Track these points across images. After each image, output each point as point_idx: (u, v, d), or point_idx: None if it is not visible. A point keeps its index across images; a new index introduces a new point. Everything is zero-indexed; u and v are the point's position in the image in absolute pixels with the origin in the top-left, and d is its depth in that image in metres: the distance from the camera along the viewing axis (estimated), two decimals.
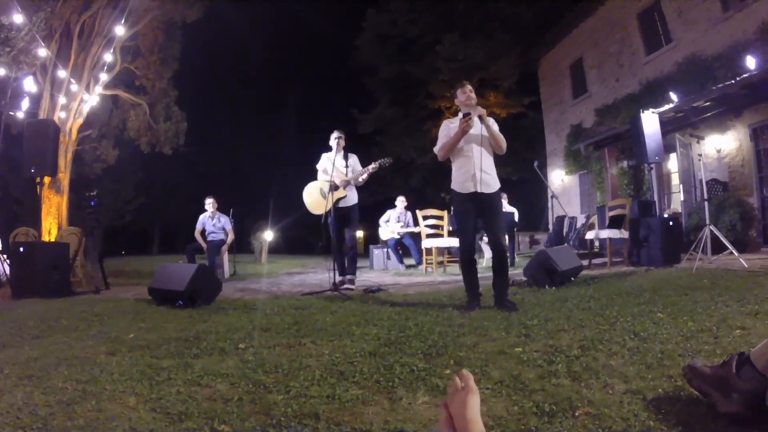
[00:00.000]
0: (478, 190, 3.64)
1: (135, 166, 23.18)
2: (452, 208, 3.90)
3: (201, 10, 13.57)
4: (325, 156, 5.72)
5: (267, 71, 34.89)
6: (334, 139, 5.63)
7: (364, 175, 5.58)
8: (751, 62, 7.93)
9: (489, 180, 3.67)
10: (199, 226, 8.00)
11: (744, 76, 7.88)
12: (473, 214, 3.71)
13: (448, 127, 3.84)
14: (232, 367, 2.16)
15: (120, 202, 25.18)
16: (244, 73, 33.04)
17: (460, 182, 3.71)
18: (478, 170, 3.63)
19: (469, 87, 3.80)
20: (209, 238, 7.91)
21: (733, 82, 8.04)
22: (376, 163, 5.47)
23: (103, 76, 11.66)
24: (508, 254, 8.71)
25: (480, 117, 3.65)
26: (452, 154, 3.77)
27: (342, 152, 5.68)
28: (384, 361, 2.14)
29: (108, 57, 11.33)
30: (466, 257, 3.76)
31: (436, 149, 3.85)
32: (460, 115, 3.69)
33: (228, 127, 31.12)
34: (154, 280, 4.65)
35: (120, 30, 10.76)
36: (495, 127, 3.75)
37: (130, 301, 4.82)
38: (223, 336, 2.81)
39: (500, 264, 3.68)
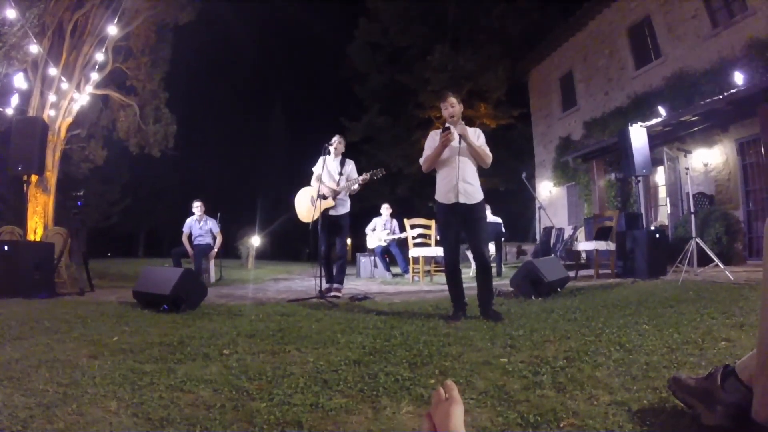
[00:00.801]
0: (460, 201, 3.65)
1: (123, 167, 22.99)
2: (436, 219, 3.93)
3: (193, 12, 13.56)
4: (321, 159, 5.67)
5: (257, 76, 35.02)
6: (332, 144, 5.63)
7: (356, 186, 5.56)
8: (738, 78, 8.08)
9: (471, 190, 3.68)
10: (186, 230, 7.93)
11: (731, 91, 8.03)
12: (455, 225, 3.72)
13: (434, 139, 3.83)
14: (215, 373, 2.13)
15: (106, 204, 24.92)
16: (235, 78, 33.11)
17: (443, 193, 3.73)
18: (460, 181, 3.65)
19: (451, 100, 3.77)
20: (196, 242, 7.84)
21: (720, 97, 8.18)
22: (368, 174, 5.44)
23: (94, 76, 11.58)
24: (493, 265, 8.77)
25: (461, 135, 3.67)
26: (436, 165, 3.79)
27: (339, 158, 5.67)
28: (368, 370, 2.12)
29: (100, 56, 11.28)
30: (450, 267, 3.79)
31: (421, 161, 3.86)
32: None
33: (217, 131, 31.07)
34: (138, 283, 4.60)
35: (112, 30, 10.71)
36: (480, 140, 3.77)
37: (114, 304, 4.76)
38: (207, 341, 2.77)
39: (484, 274, 3.69)
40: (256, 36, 31.39)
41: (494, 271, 8.56)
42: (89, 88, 11.68)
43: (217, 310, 4.27)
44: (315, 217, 5.39)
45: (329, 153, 5.66)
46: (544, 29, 16.57)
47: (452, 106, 3.76)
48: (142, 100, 13.98)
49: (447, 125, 3.66)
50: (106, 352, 2.55)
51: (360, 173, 5.65)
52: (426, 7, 19.40)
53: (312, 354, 2.46)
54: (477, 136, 3.79)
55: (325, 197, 5.45)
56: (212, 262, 8.21)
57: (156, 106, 14.26)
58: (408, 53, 20.43)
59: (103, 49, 11.22)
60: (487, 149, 3.78)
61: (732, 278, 5.40)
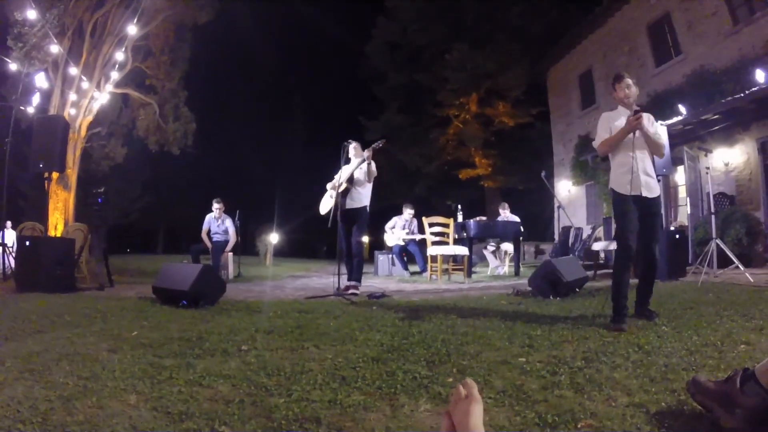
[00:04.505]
0: (642, 194, 3.35)
1: (143, 165, 23.28)
2: (613, 210, 3.62)
3: (212, 12, 13.71)
4: (342, 170, 5.64)
5: (276, 75, 35.12)
6: (352, 148, 5.65)
7: (364, 166, 5.44)
8: (760, 76, 7.91)
9: (652, 183, 3.40)
10: (205, 226, 8.08)
11: (753, 89, 7.88)
12: (635, 217, 3.36)
13: (607, 120, 3.49)
14: (234, 368, 2.16)
15: (126, 201, 25.30)
16: (254, 78, 33.15)
17: (622, 183, 3.39)
18: (641, 173, 3.35)
19: (627, 81, 3.42)
20: (213, 239, 7.97)
21: (741, 95, 8.02)
22: (369, 149, 5.36)
23: (114, 75, 11.77)
24: (511, 264, 8.74)
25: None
26: (613, 151, 3.46)
27: (359, 159, 5.62)
28: (386, 368, 2.13)
29: (119, 56, 11.46)
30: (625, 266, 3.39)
31: (596, 144, 3.54)
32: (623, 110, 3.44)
33: (236, 129, 31.19)
34: (158, 279, 4.66)
35: (132, 29, 10.87)
36: (653, 128, 3.44)
37: (134, 299, 4.82)
38: (225, 337, 2.80)
39: (652, 273, 3.50)
40: (275, 35, 31.59)
41: (512, 270, 8.52)
42: (109, 87, 11.88)
43: (235, 306, 4.30)
44: (329, 209, 5.38)
45: (348, 160, 5.65)
46: (564, 27, 16.39)
47: (628, 87, 3.41)
48: (162, 98, 14.19)
49: (636, 108, 3.32)
50: (126, 346, 2.58)
51: (379, 172, 5.61)
52: (445, 5, 19.29)
53: (330, 351, 2.48)
54: (651, 123, 3.45)
55: (338, 186, 5.44)
56: (230, 258, 8.30)
57: (175, 104, 14.46)
58: (427, 52, 20.30)
59: (123, 49, 11.39)
60: (660, 139, 3.43)
61: (752, 280, 5.31)
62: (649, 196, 3.35)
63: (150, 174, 25.64)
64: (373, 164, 5.46)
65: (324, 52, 38.62)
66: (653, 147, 3.38)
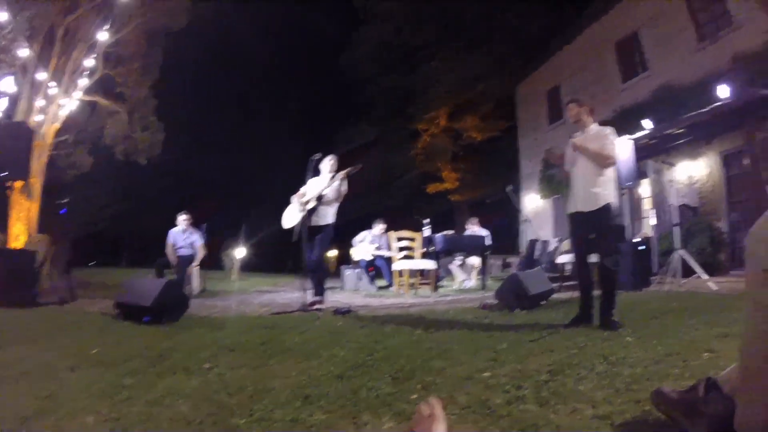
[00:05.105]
0: (579, 209, 3.58)
1: (110, 174, 22.69)
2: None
3: (185, 19, 13.54)
4: (309, 182, 5.56)
5: (248, 87, 34.64)
6: (327, 161, 5.55)
7: (335, 184, 5.38)
8: (723, 91, 8.20)
9: (593, 196, 3.54)
10: (169, 241, 7.88)
11: (716, 104, 8.15)
12: (579, 233, 3.64)
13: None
14: (195, 387, 2.11)
15: (92, 211, 24.59)
16: (227, 87, 32.83)
17: (568, 203, 3.70)
18: (581, 189, 3.57)
19: (568, 105, 3.86)
20: (179, 253, 7.78)
21: (705, 110, 8.30)
22: (343, 172, 5.35)
23: (83, 81, 11.47)
24: (479, 277, 8.81)
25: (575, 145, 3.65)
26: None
27: (331, 175, 5.55)
28: (350, 385, 2.10)
29: (89, 62, 11.19)
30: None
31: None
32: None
33: (206, 140, 30.78)
34: (120, 293, 4.56)
35: (103, 35, 10.65)
36: (593, 146, 3.58)
37: (96, 314, 4.71)
38: (188, 355, 2.76)
39: (602, 283, 3.57)
40: (249, 45, 31.24)
41: (480, 283, 8.60)
42: (78, 94, 11.57)
43: (199, 322, 4.24)
44: (296, 222, 5.31)
45: (317, 173, 5.56)
46: (533, 44, 16.81)
47: (569, 110, 3.85)
48: (131, 107, 13.89)
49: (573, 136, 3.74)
50: (86, 364, 2.52)
51: (349, 186, 5.56)
52: (420, 18, 19.61)
53: (294, 368, 2.44)
54: (595, 138, 3.63)
55: (306, 202, 5.37)
56: (196, 273, 8.13)
57: (144, 113, 14.18)
58: (401, 64, 20.52)
59: (94, 55, 11.14)
60: (604, 150, 3.54)
61: (716, 288, 5.47)
62: (586, 210, 3.52)
63: (117, 184, 25.02)
64: (345, 184, 5.45)
65: (298, 63, 38.44)
66: (595, 160, 3.53)
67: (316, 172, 5.58)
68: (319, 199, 5.43)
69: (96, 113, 13.97)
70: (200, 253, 8.02)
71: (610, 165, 3.54)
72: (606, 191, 3.51)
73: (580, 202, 3.57)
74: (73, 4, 10.75)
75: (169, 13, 12.90)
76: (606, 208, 3.49)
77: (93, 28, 11.01)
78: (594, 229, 3.53)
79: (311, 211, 5.41)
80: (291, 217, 5.51)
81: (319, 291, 5.47)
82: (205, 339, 3.32)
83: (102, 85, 12.98)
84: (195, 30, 15.40)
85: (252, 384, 2.15)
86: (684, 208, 9.38)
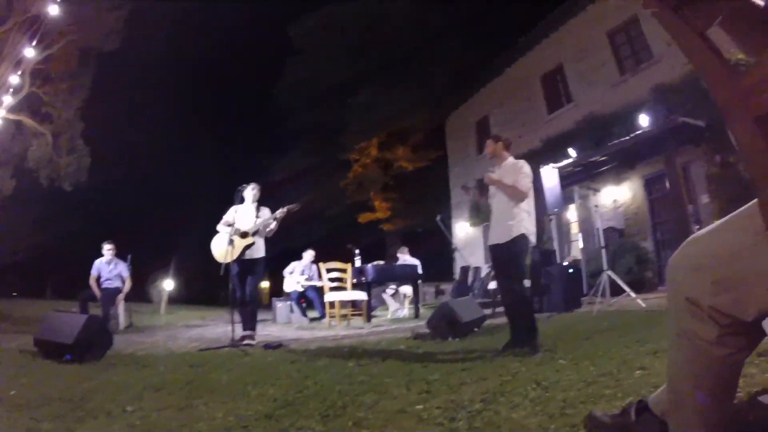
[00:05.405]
0: (492, 242, 3.75)
1: (34, 200, 21.24)
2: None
3: (118, 40, 13.11)
4: (233, 209, 5.43)
5: (180, 114, 33.34)
6: (246, 191, 5.45)
7: (273, 224, 5.37)
8: (644, 120, 8.81)
9: (500, 230, 3.72)
10: (94, 272, 7.41)
11: (638, 132, 8.73)
12: (495, 264, 3.85)
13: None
14: None
15: (14, 238, 22.83)
16: (156, 113, 31.38)
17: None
18: (495, 222, 3.78)
19: (488, 142, 4.04)
20: (104, 285, 7.33)
21: (627, 138, 8.87)
22: (285, 208, 5.31)
23: (8, 99, 10.75)
24: (411, 306, 8.88)
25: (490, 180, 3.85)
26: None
27: (254, 205, 5.51)
28: (279, 425, 2.00)
29: (15, 79, 10.52)
30: None
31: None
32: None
33: (134, 166, 29.29)
34: (40, 329, 4.20)
35: (30, 52, 10.07)
36: (508, 179, 3.76)
37: (15, 351, 4.31)
38: (110, 396, 2.57)
39: (517, 310, 3.69)
40: (184, 70, 30.22)
41: (412, 312, 8.65)
42: (2, 112, 10.82)
43: (123, 360, 3.99)
44: (235, 257, 5.16)
45: (242, 201, 5.46)
46: (464, 76, 17.46)
47: (487, 146, 4.05)
48: (57, 128, 13.20)
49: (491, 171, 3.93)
50: (2, 407, 2.35)
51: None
52: (351, 51, 19.89)
53: (221, 409, 2.30)
54: (509, 172, 3.82)
55: (245, 234, 5.26)
56: (121, 307, 7.68)
57: (71, 136, 13.49)
58: (332, 95, 20.57)
59: (20, 72, 10.49)
60: (518, 183, 3.71)
61: (644, 305, 5.74)
62: (501, 242, 3.69)
63: (42, 210, 23.38)
64: (277, 223, 5.42)
65: (230, 91, 37.67)
66: (509, 193, 3.74)
67: (241, 200, 5.49)
68: (255, 233, 5.34)
69: (20, 134, 13.12)
70: (128, 285, 7.60)
71: (523, 198, 3.72)
72: (519, 223, 3.66)
73: (495, 234, 3.76)
74: (1, 17, 10.14)
75: (101, 32, 12.44)
76: (518, 239, 3.64)
77: (22, 43, 10.40)
78: (508, 259, 3.68)
79: (247, 246, 5.29)
80: (223, 250, 5.29)
81: (251, 325, 5.31)
82: (129, 378, 3.14)
83: (29, 104, 12.27)
84: (127, 54, 14.96)
85: (177, 427, 2.03)
86: (610, 231, 9.91)
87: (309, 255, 9.20)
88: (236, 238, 5.18)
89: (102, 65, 14.24)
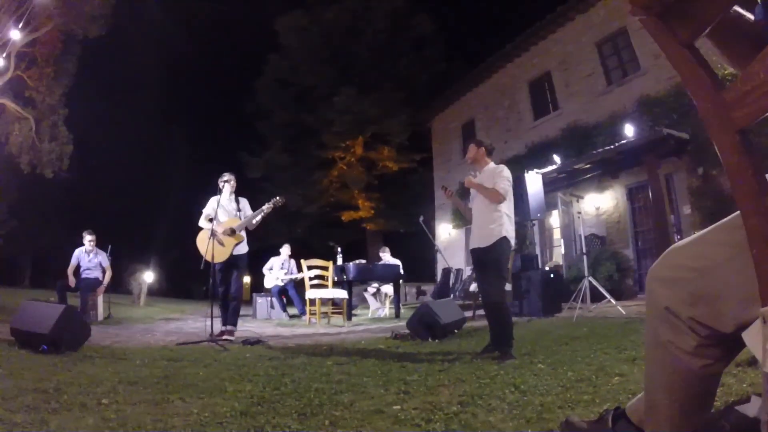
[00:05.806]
0: (473, 246, 3.80)
1: (12, 186, 20.77)
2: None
3: (104, 26, 12.90)
4: (213, 200, 5.37)
5: (162, 106, 32.85)
6: (224, 181, 5.37)
7: (258, 218, 5.30)
8: (628, 130, 8.94)
9: (484, 233, 3.74)
10: (73, 261, 7.29)
11: (622, 142, 8.86)
12: (476, 269, 3.90)
13: None
14: (91, 425, 1.90)
15: None
16: (140, 105, 30.89)
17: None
18: (476, 227, 3.82)
19: (470, 146, 4.05)
20: (83, 275, 7.21)
21: (611, 147, 8.99)
22: (270, 203, 5.27)
23: None
24: (392, 306, 8.90)
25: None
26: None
27: (233, 196, 5.46)
28: (255, 422, 1.97)
29: (0, 61, 10.29)
30: None
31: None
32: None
33: (117, 157, 28.88)
34: (16, 318, 4.09)
35: (16, 34, 9.85)
36: (488, 184, 3.80)
37: None
38: (85, 389, 2.51)
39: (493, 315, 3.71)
40: (166, 63, 29.79)
41: (393, 312, 8.66)
42: None
43: (100, 352, 3.90)
44: (226, 257, 5.11)
45: (221, 192, 5.37)
46: (449, 79, 17.52)
47: (467, 152, 4.07)
48: (40, 114, 12.93)
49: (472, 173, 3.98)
50: None
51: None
52: (336, 49, 19.85)
53: (196, 404, 2.27)
54: (488, 176, 3.85)
55: (233, 232, 5.21)
56: (100, 299, 7.57)
57: (54, 122, 13.21)
58: (314, 93, 20.44)
59: (5, 54, 10.26)
60: (498, 186, 3.75)
61: (624, 312, 5.82)
62: (482, 246, 3.74)
63: (20, 197, 22.86)
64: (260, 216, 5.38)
65: (213, 84, 37.27)
66: (488, 197, 3.78)
67: (218, 192, 5.41)
68: (242, 228, 5.31)
69: (2, 119, 12.84)
70: (108, 275, 7.49)
71: (501, 200, 3.74)
72: (501, 226, 3.70)
73: (476, 238, 3.80)
74: None
75: (88, 16, 12.22)
76: (499, 243, 3.68)
77: (9, 25, 10.17)
78: (490, 262, 3.72)
79: (237, 244, 5.26)
80: (210, 248, 5.21)
81: (233, 321, 5.27)
82: (105, 371, 3.07)
83: (12, 87, 12.01)
84: (112, 43, 14.75)
85: (151, 422, 1.98)
86: (592, 238, 10.04)
87: (286, 249, 9.22)
88: (225, 238, 5.14)
89: (87, 54, 14.06)
